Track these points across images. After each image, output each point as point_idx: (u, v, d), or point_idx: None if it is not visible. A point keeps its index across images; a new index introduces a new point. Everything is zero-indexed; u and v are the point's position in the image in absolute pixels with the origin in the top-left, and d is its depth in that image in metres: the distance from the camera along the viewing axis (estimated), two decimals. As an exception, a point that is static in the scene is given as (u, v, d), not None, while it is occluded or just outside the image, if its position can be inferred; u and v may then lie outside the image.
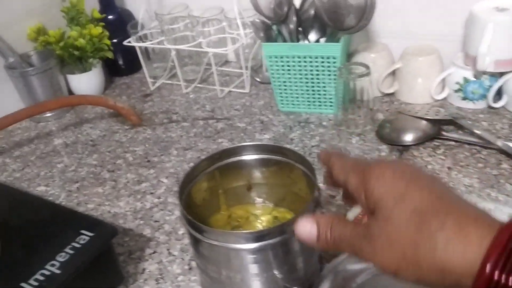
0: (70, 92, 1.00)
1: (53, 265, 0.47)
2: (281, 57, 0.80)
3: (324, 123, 0.83)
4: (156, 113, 0.93)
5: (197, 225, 0.42)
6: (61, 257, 0.48)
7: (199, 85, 1.00)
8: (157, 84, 1.03)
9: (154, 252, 0.61)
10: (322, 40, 0.82)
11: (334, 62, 0.78)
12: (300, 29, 0.82)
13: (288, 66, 0.81)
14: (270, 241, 0.41)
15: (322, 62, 0.78)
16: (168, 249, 0.61)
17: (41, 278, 0.46)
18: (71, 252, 0.48)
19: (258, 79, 0.97)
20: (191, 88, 0.99)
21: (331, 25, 0.77)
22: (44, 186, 0.76)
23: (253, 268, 0.43)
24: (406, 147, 0.73)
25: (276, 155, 0.51)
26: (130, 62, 1.09)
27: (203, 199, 0.51)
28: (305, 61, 0.79)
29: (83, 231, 0.51)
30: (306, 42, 0.83)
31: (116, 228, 0.51)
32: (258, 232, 0.42)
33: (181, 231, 0.64)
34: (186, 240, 0.62)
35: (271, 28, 0.82)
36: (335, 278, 0.44)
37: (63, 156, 0.83)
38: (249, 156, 0.51)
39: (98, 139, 0.87)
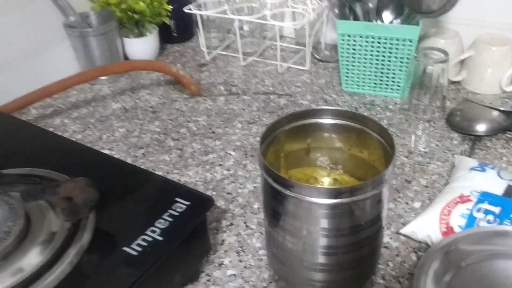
0: (125, 56, 0.99)
1: (153, 231, 0.47)
2: (354, 36, 0.79)
3: (390, 107, 0.82)
4: (214, 84, 0.92)
5: (281, 178, 0.43)
6: (160, 224, 0.47)
7: (256, 59, 0.98)
8: (212, 54, 1.01)
9: (231, 224, 0.61)
10: (396, 21, 0.81)
11: (410, 45, 0.76)
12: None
13: (360, 45, 0.79)
14: (347, 199, 0.42)
15: (397, 44, 0.77)
16: (245, 222, 0.61)
17: (144, 243, 0.46)
18: (170, 219, 0.48)
19: (317, 57, 0.96)
20: (249, 61, 0.98)
21: (410, 7, 0.76)
22: (108, 149, 0.75)
23: (325, 222, 0.43)
24: (478, 137, 0.73)
25: (350, 121, 0.50)
26: (183, 30, 1.07)
27: (268, 162, 0.51)
28: (378, 42, 0.78)
29: (178, 199, 0.50)
30: (379, 22, 0.81)
31: (212, 198, 0.51)
32: (341, 189, 0.42)
33: (256, 205, 0.64)
34: (262, 215, 0.62)
35: (346, 5, 0.80)
36: (445, 256, 0.43)
37: (123, 121, 0.83)
38: (318, 120, 0.51)
39: (157, 106, 0.86)
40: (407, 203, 0.62)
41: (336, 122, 0.51)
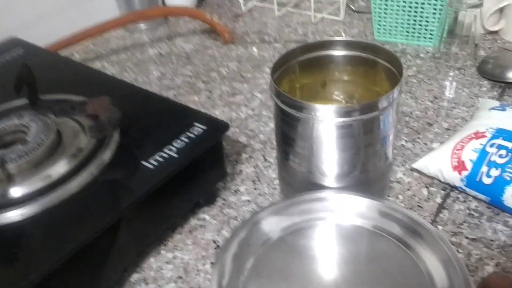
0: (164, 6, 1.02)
1: (170, 150, 0.50)
2: (387, -18, 0.78)
3: (422, 55, 0.81)
4: (248, 33, 0.94)
5: (288, 99, 0.45)
6: (177, 144, 0.51)
7: (290, 10, 0.99)
8: (248, 6, 1.02)
9: (250, 157, 0.64)
10: (431, -33, 0.79)
11: (443, -9, 0.75)
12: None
13: (393, -8, 0.79)
14: (357, 117, 0.43)
15: (430, -11, 0.76)
16: (263, 155, 0.64)
17: (160, 159, 0.49)
18: (187, 140, 0.51)
19: (353, 8, 0.95)
20: (284, 12, 0.99)
21: (445, -49, 0.74)
22: (142, 90, 0.80)
23: (332, 142, 0.45)
24: (508, 84, 0.71)
25: (362, 52, 0.51)
26: (222, -18, 1.09)
27: (283, 91, 0.53)
28: (411, -12, 0.77)
29: (196, 123, 0.53)
30: (414, -32, 0.80)
31: (227, 123, 0.53)
32: (348, 107, 0.43)
33: (276, 141, 0.66)
34: (281, 150, 0.64)
35: (379, -49, 0.80)
36: (253, 229, 0.43)
37: (158, 65, 0.86)
38: (331, 51, 0.52)
39: (191, 53, 0.89)
40: (425, 144, 0.62)
41: (350, 53, 0.52)
